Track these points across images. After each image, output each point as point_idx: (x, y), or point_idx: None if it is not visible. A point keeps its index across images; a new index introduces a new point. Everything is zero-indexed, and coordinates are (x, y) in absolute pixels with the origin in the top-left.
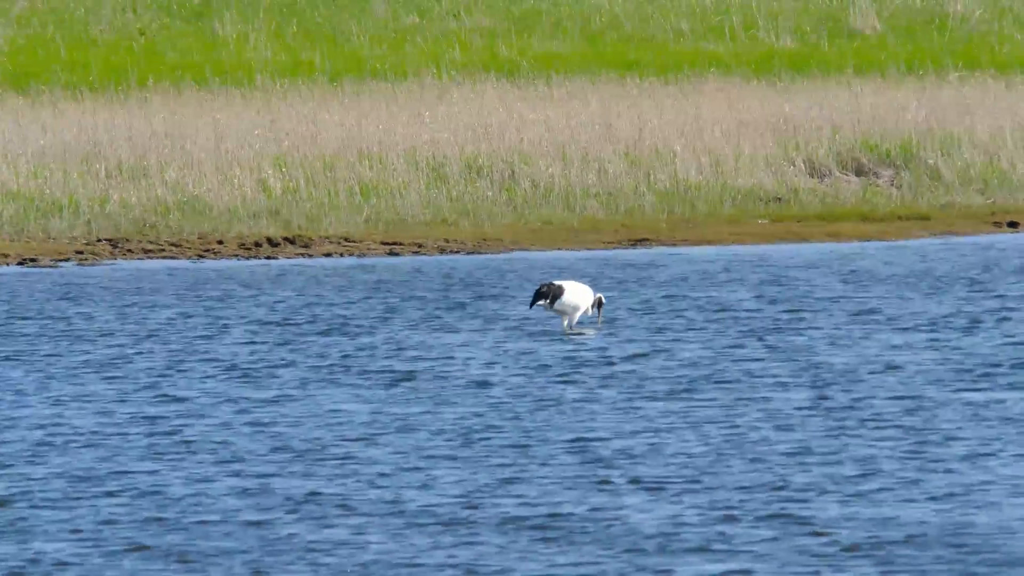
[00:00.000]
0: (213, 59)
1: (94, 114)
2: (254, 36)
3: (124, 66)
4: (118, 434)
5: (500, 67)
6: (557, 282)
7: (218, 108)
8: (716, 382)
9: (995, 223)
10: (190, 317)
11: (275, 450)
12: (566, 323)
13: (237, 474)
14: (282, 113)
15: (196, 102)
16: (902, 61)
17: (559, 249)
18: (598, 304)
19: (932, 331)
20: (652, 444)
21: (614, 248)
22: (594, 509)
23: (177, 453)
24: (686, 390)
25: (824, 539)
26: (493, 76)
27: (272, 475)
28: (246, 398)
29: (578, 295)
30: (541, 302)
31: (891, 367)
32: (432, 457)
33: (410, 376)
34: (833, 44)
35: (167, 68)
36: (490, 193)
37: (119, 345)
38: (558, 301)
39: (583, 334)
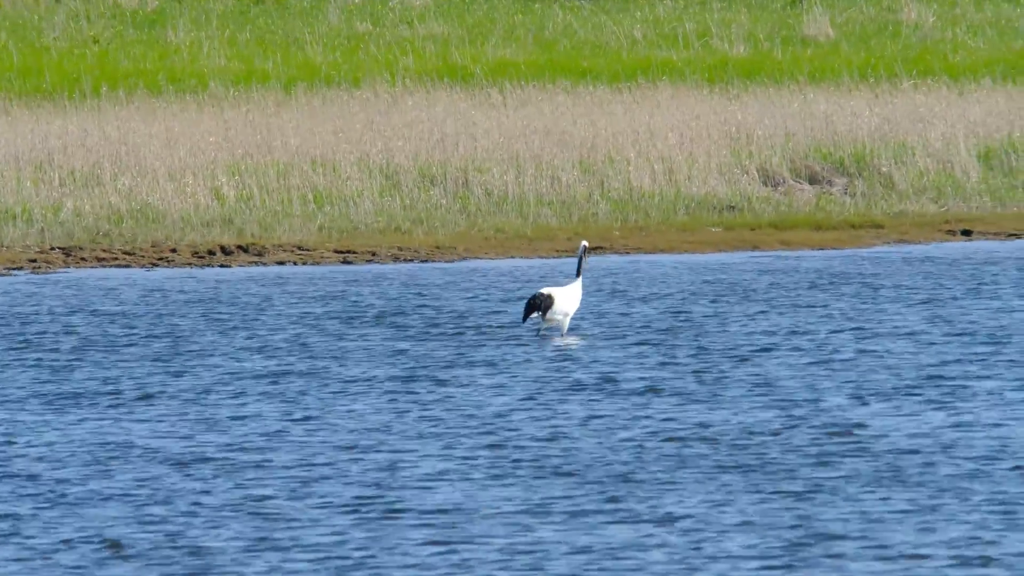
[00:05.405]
0: (167, 67)
1: (48, 121)
2: (207, 44)
3: (78, 73)
4: None
5: (454, 74)
6: (545, 291)
7: (172, 116)
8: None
9: (949, 231)
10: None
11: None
12: (565, 329)
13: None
14: (236, 121)
15: (150, 110)
16: (855, 68)
17: (512, 257)
18: (583, 251)
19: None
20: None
21: (568, 256)
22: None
23: None
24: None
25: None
26: (447, 83)
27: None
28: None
29: (568, 300)
30: (535, 315)
31: None
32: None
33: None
34: (787, 51)
35: (121, 75)
36: (444, 201)
37: None
38: (550, 311)
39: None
